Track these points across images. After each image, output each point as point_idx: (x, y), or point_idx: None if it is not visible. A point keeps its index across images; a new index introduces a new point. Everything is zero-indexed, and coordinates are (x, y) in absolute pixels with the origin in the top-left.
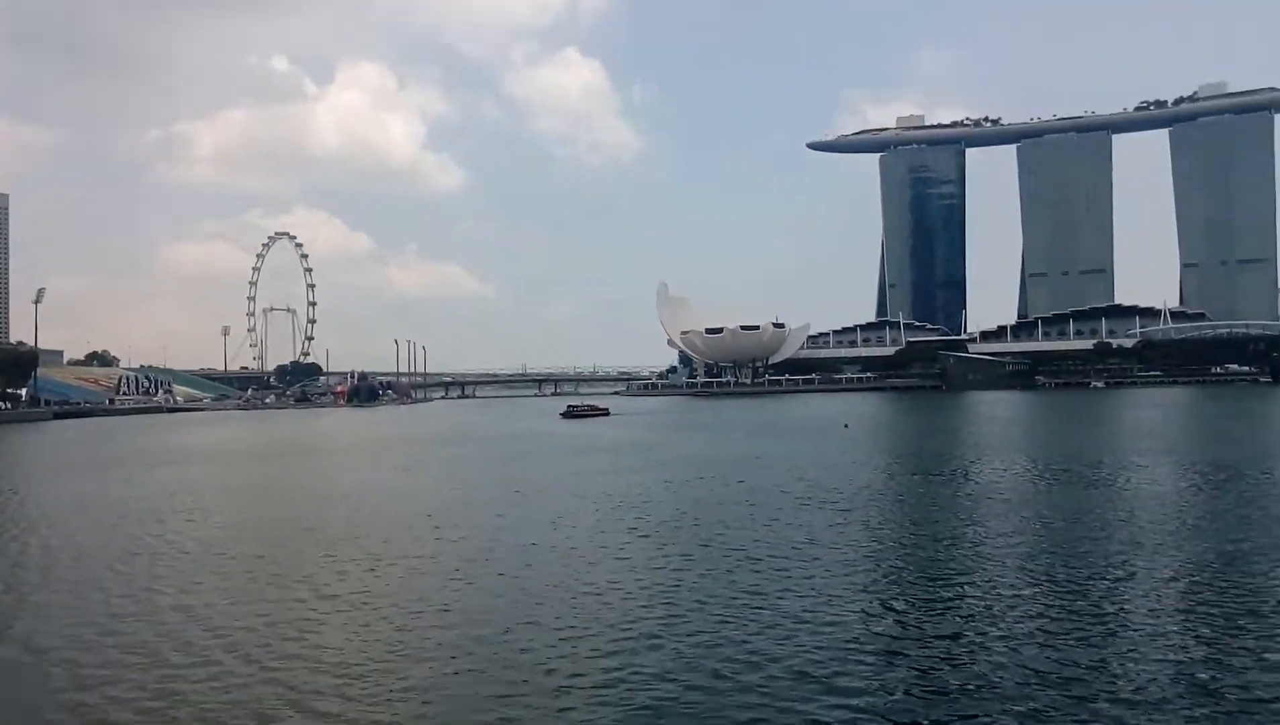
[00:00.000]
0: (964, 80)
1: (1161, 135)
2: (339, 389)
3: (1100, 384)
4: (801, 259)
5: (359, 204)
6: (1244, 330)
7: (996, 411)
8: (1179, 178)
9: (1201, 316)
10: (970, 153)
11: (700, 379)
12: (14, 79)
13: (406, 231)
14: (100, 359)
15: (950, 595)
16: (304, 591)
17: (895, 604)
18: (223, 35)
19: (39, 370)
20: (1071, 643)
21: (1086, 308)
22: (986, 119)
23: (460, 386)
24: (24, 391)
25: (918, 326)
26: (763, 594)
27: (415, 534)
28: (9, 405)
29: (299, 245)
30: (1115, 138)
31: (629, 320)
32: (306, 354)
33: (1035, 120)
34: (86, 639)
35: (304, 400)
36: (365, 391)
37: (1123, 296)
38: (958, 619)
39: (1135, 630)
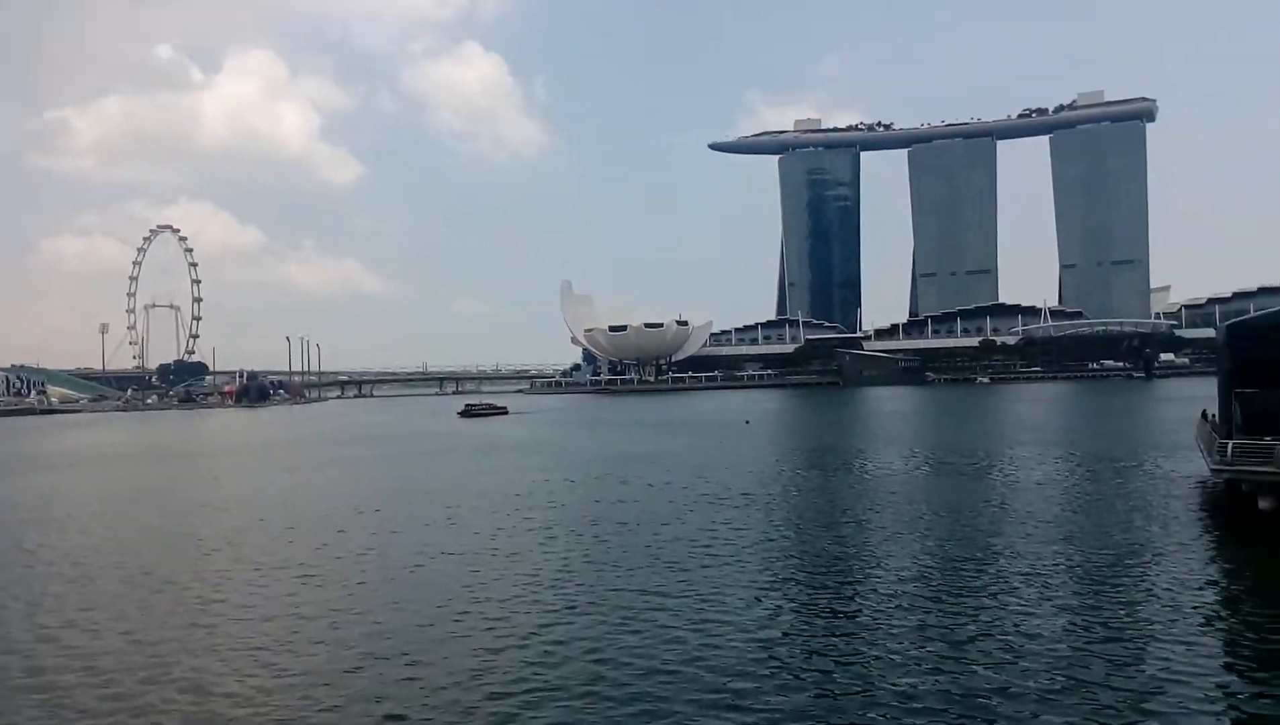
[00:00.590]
0: (859, 86)
1: (1043, 142)
2: (226, 389)
3: (985, 380)
4: (704, 257)
5: (250, 197)
6: (1118, 328)
7: (889, 407)
8: (1058, 183)
9: (1079, 315)
10: (865, 156)
11: (604, 377)
12: None
13: (301, 226)
14: None
15: (846, 590)
16: (178, 606)
17: (793, 601)
18: (101, 19)
19: None
20: (963, 637)
21: (973, 307)
22: (880, 124)
23: (357, 385)
24: None
25: (816, 324)
26: (663, 594)
27: (301, 541)
28: None
29: (183, 239)
30: (1000, 144)
31: (533, 318)
32: (191, 352)
33: (925, 126)
34: None
35: (188, 401)
36: (254, 391)
37: (1007, 296)
38: (854, 614)
39: (1018, 621)
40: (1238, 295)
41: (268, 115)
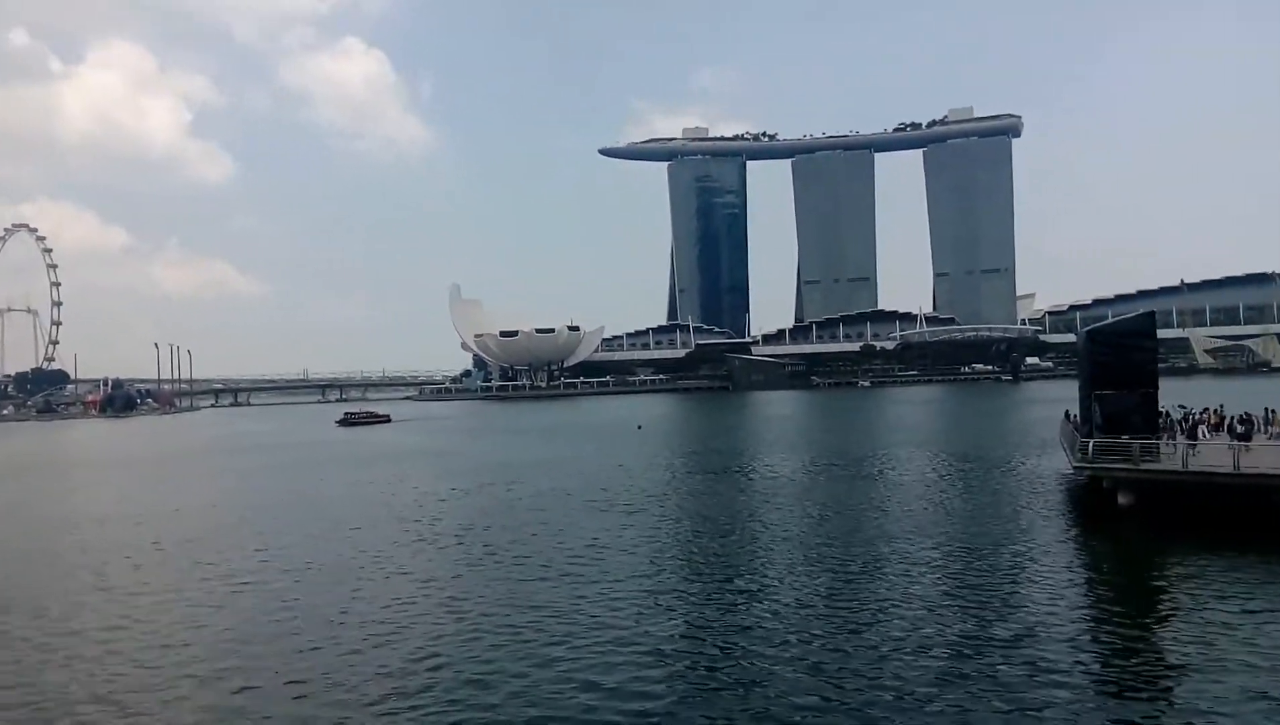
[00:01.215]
0: (744, 97)
1: (917, 155)
2: (89, 398)
3: (867, 383)
4: (596, 262)
5: (114, 195)
6: (988, 333)
7: (777, 410)
8: (931, 194)
9: (952, 321)
10: (751, 165)
11: (495, 382)
12: None
13: (169, 225)
14: None
15: (732, 594)
16: (33, 630)
17: (680, 606)
18: None
19: None
20: (845, 635)
21: (854, 313)
22: (765, 134)
23: (232, 393)
24: None
25: (706, 330)
26: (551, 604)
27: (167, 560)
28: None
29: (41, 238)
30: (877, 156)
31: (421, 323)
32: (51, 360)
33: (807, 137)
34: None
35: (48, 411)
36: (120, 401)
37: (886, 302)
38: (741, 617)
39: (899, 618)
40: (1097, 302)
41: (134, 109)
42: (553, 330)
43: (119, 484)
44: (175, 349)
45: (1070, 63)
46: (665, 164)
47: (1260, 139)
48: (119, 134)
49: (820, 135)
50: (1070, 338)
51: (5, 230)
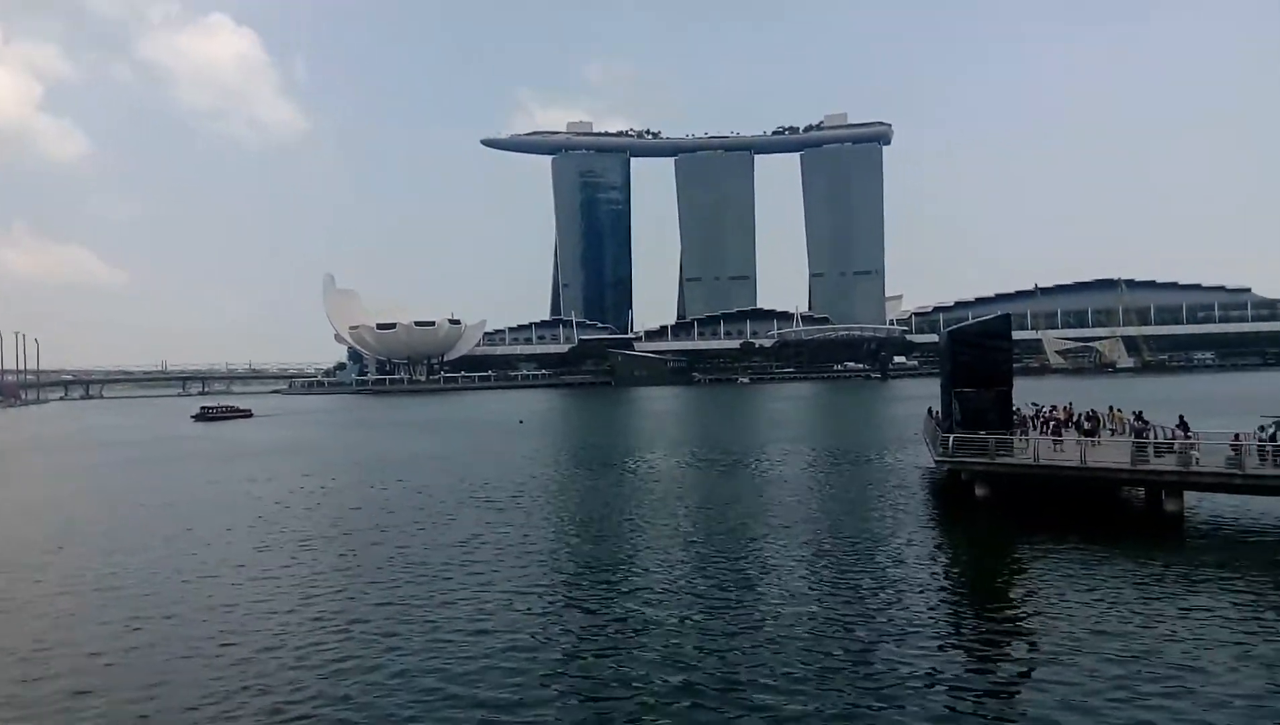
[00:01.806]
0: (631, 92)
1: (794, 158)
2: None
3: (746, 380)
4: (477, 255)
5: None
6: (859, 333)
7: (658, 406)
8: (808, 197)
9: (826, 320)
10: (635, 162)
11: (371, 376)
12: None
13: (15, 206)
14: None
15: (608, 589)
16: None
17: (556, 603)
18: None
19: None
20: (720, 627)
21: (734, 311)
22: (649, 131)
23: (84, 386)
24: None
25: (589, 325)
26: (423, 604)
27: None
28: None
29: None
30: (757, 158)
31: (292, 314)
32: None
33: (690, 136)
34: None
35: None
36: None
37: (765, 301)
38: (617, 613)
39: (770, 608)
40: (959, 304)
41: None
42: (433, 323)
43: None
44: (20, 337)
45: (937, 76)
46: (549, 157)
47: (1111, 150)
48: None
49: (703, 135)
50: (934, 338)
51: None
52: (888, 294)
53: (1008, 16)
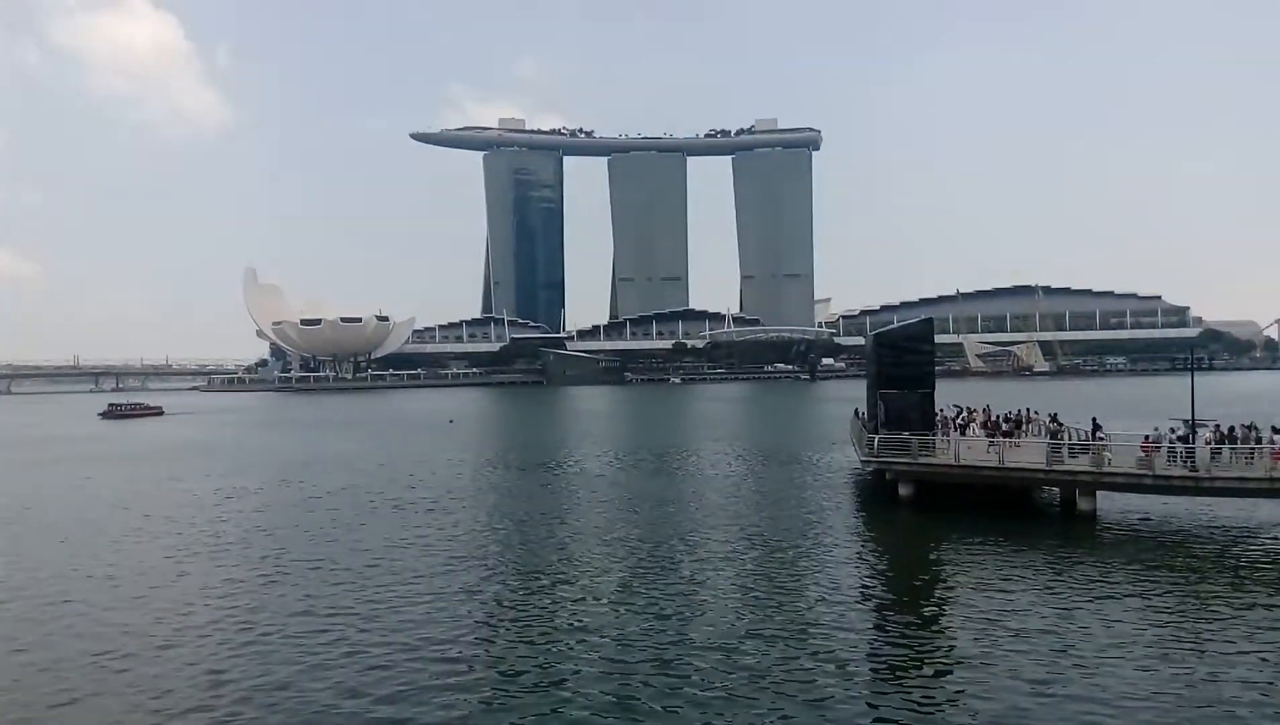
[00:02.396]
0: (565, 90)
1: (726, 161)
2: None
3: (677, 380)
4: (407, 251)
5: None
6: (789, 335)
7: (590, 406)
8: (739, 200)
9: (757, 322)
10: (568, 161)
11: (295, 373)
12: None
13: None
14: None
15: (534, 593)
16: None
17: (479, 609)
18: None
19: None
20: (648, 630)
21: (667, 311)
22: (581, 130)
23: None
24: None
25: (521, 324)
26: (342, 612)
27: None
28: None
29: None
30: (690, 160)
31: (212, 309)
32: None
33: (623, 136)
34: None
35: None
36: None
37: (697, 302)
38: (543, 616)
39: (698, 610)
40: (884, 308)
41: None
42: (359, 320)
43: None
44: None
45: (864, 82)
46: (481, 153)
47: (1031, 158)
48: None
49: (636, 135)
50: (861, 341)
51: None
52: (817, 297)
53: (933, 25)
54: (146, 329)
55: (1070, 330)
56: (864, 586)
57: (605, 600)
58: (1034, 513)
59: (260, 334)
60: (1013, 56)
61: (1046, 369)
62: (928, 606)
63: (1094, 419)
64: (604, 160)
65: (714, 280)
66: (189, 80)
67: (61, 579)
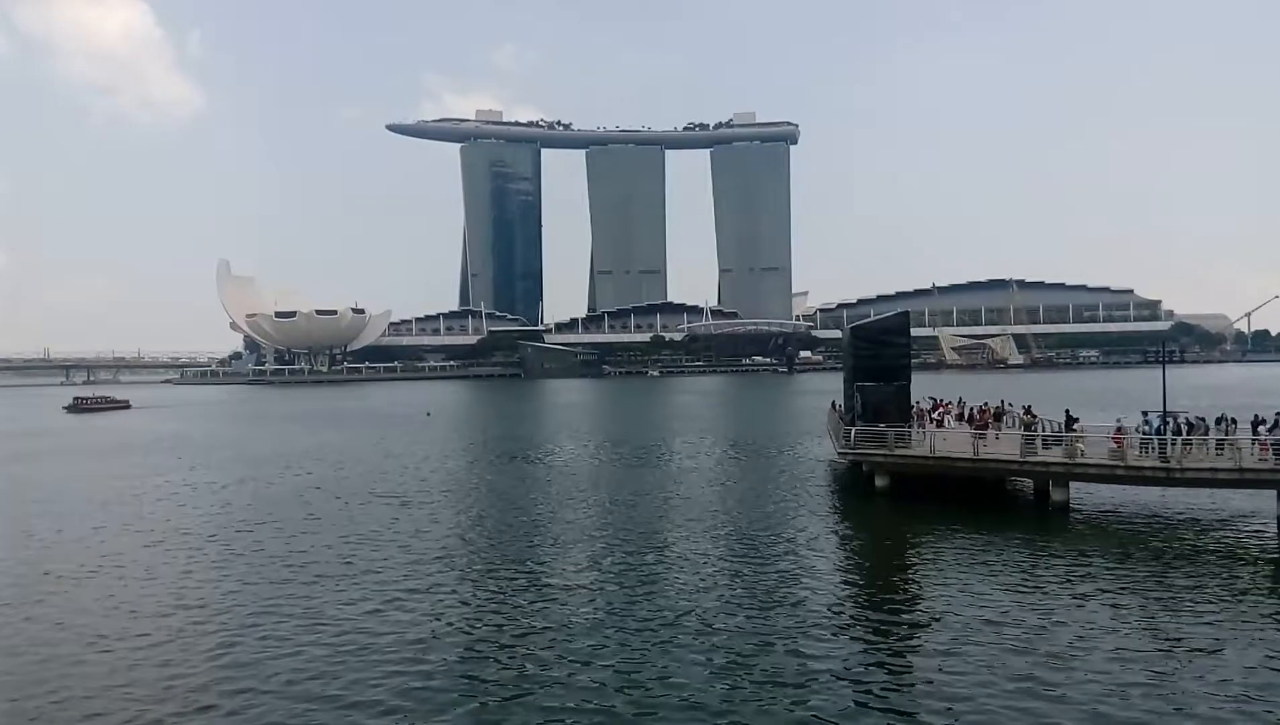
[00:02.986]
0: (543, 81)
1: (704, 155)
2: None
3: (656, 372)
4: (383, 243)
5: None
6: (766, 328)
7: (568, 398)
8: (717, 193)
9: (735, 315)
10: (546, 153)
11: (269, 366)
12: None
13: None
14: None
15: (517, 588)
16: None
17: (459, 604)
18: None
19: None
20: (631, 622)
21: (645, 304)
22: (560, 123)
23: None
24: None
25: (499, 316)
26: (314, 609)
27: None
28: None
29: None
30: (668, 153)
31: (185, 301)
32: None
33: (602, 129)
34: None
35: None
36: None
37: (675, 295)
38: (528, 610)
39: (681, 601)
40: (861, 301)
41: None
42: (335, 312)
43: None
44: None
45: (842, 79)
46: (458, 145)
47: (1007, 152)
48: None
49: (614, 128)
50: (838, 334)
51: None
52: (794, 290)
53: (910, 22)
54: (118, 321)
55: (1044, 323)
56: (841, 578)
57: (582, 593)
58: (1009, 504)
59: (234, 326)
60: (989, 53)
61: (1020, 362)
62: (903, 597)
63: (1067, 411)
64: (582, 153)
65: (692, 273)
66: (160, 68)
67: None
